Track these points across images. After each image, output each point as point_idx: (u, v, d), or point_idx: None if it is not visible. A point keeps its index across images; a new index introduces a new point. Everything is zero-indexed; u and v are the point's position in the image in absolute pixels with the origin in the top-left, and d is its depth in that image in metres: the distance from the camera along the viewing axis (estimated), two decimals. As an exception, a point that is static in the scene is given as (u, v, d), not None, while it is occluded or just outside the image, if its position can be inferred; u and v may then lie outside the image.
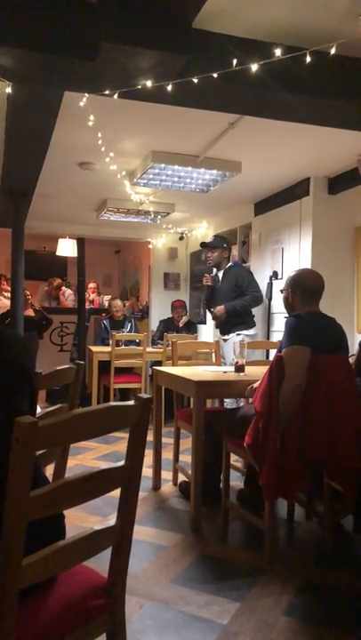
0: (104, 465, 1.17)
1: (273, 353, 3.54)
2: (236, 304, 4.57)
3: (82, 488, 1.11)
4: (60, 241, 7.84)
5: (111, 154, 3.73)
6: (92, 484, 1.13)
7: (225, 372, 3.22)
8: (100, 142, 3.43)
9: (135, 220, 5.92)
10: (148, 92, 2.34)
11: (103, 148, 3.54)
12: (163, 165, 3.91)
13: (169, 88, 2.31)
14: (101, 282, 10.02)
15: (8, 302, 5.40)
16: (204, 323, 6.62)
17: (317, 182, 4.42)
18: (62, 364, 1.94)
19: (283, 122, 2.95)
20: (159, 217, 5.80)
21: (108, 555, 1.28)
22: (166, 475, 3.56)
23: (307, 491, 2.85)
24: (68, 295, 8.23)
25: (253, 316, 4.73)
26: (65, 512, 1.24)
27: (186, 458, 3.74)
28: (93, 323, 7.34)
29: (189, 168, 3.99)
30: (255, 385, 2.66)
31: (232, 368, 3.29)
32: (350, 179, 4.17)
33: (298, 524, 2.87)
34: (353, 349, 2.94)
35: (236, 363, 3.20)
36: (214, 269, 4.85)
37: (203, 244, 5.03)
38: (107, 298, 8.20)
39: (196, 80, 2.27)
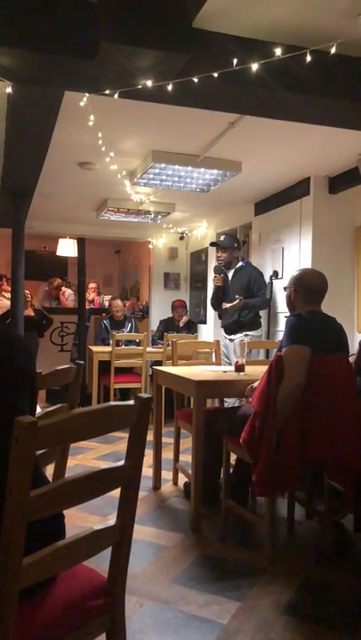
0: (104, 465, 1.17)
1: (272, 352, 3.56)
2: (250, 301, 4.60)
3: (82, 488, 1.11)
4: (61, 241, 7.84)
5: (111, 154, 3.73)
6: (92, 484, 1.13)
7: (225, 372, 3.22)
8: (100, 142, 3.43)
9: (135, 219, 5.92)
10: (148, 91, 2.34)
11: (103, 148, 3.54)
12: (163, 165, 3.91)
13: (169, 88, 2.31)
14: (102, 282, 10.02)
15: (8, 302, 5.40)
16: (205, 322, 6.62)
17: (318, 182, 4.42)
18: (62, 363, 1.94)
19: (283, 121, 2.95)
20: (159, 217, 5.80)
21: (108, 554, 1.28)
22: (166, 474, 3.56)
23: (307, 490, 2.86)
24: (68, 295, 8.23)
25: (260, 317, 4.73)
26: (65, 512, 1.24)
27: (186, 457, 3.74)
28: (94, 323, 7.35)
29: (190, 168, 3.99)
30: (255, 384, 2.66)
31: (232, 368, 3.29)
32: (351, 178, 4.17)
33: (298, 524, 2.87)
34: (353, 349, 2.94)
35: (236, 362, 3.20)
36: (224, 269, 4.86)
37: (213, 244, 5.03)
38: (107, 298, 8.20)
39: (196, 80, 2.27)
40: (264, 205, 5.16)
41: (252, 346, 4.14)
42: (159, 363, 5.43)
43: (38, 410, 1.58)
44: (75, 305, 7.50)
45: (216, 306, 4.93)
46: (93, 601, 1.23)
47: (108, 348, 5.63)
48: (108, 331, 6.23)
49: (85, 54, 2.12)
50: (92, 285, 8.79)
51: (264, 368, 2.55)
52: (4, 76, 2.30)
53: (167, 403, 3.70)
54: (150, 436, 2.36)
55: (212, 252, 6.43)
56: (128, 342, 5.97)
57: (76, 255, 7.35)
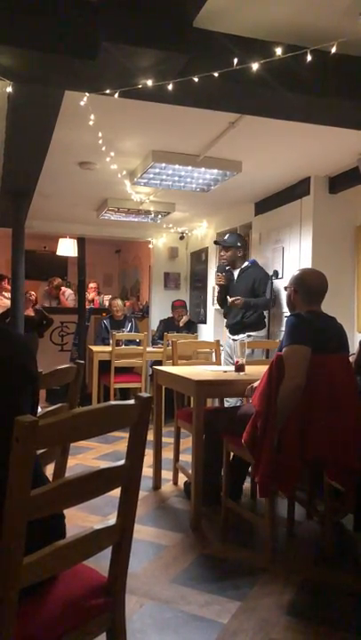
0: (104, 464, 1.17)
1: (272, 353, 3.55)
2: (253, 300, 4.62)
3: (82, 487, 1.11)
4: (61, 241, 7.84)
5: (112, 153, 3.73)
6: (93, 484, 1.13)
7: (225, 372, 3.22)
8: (100, 142, 3.42)
9: (135, 219, 5.91)
10: (148, 91, 2.33)
11: (104, 148, 3.54)
12: (163, 165, 3.91)
13: (169, 87, 2.31)
14: (102, 281, 10.02)
15: (8, 302, 5.40)
16: (205, 322, 6.61)
17: (318, 181, 4.41)
18: (62, 363, 1.94)
19: (283, 121, 2.95)
20: (159, 216, 5.79)
21: (108, 554, 1.28)
22: (166, 474, 3.56)
23: (307, 490, 2.86)
24: (68, 295, 8.23)
25: (265, 317, 4.72)
26: (65, 511, 1.24)
27: (186, 457, 3.74)
28: (94, 322, 7.35)
29: (190, 167, 3.98)
30: (255, 384, 2.66)
31: (232, 367, 3.29)
32: (351, 178, 4.16)
33: (298, 524, 2.87)
34: (353, 349, 2.94)
35: (236, 362, 3.20)
36: (228, 267, 4.85)
37: (216, 242, 5.03)
38: (107, 297, 8.21)
39: (196, 79, 2.26)
40: (264, 205, 5.16)
41: (252, 346, 4.14)
42: (159, 362, 5.43)
43: (39, 409, 1.58)
44: (75, 305, 7.50)
45: (221, 304, 4.94)
46: (94, 600, 1.23)
47: (108, 348, 5.63)
48: (108, 330, 6.23)
49: (86, 54, 2.12)
50: (92, 285, 8.79)
51: (264, 368, 2.55)
52: (5, 76, 2.30)
53: (167, 402, 3.70)
54: (150, 436, 2.36)
55: (212, 251, 6.44)
56: (128, 342, 5.97)
57: (76, 255, 7.35)
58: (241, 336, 4.58)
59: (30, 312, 6.28)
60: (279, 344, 2.74)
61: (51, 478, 1.46)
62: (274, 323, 4.83)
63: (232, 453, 2.86)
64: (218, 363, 4.17)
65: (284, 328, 2.61)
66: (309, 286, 2.64)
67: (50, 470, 1.78)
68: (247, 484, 3.39)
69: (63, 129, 3.25)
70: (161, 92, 2.34)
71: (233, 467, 2.95)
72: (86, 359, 6.17)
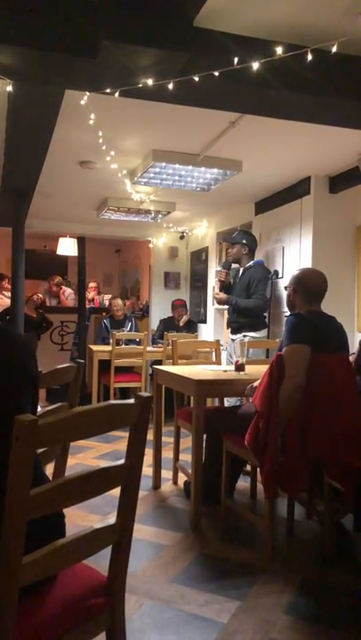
0: (104, 464, 1.17)
1: (272, 352, 3.55)
2: (240, 301, 4.57)
3: (82, 487, 1.11)
4: (61, 240, 7.84)
5: (112, 152, 3.73)
6: (92, 483, 1.12)
7: (225, 371, 3.22)
8: (100, 141, 3.42)
9: (136, 218, 5.91)
10: (148, 90, 2.33)
11: (104, 147, 3.54)
12: (163, 164, 3.91)
13: (170, 86, 2.31)
14: (102, 281, 10.02)
15: (8, 301, 5.41)
16: (205, 322, 6.61)
17: (318, 181, 4.41)
18: (62, 362, 1.94)
19: (284, 120, 2.95)
20: (160, 216, 5.79)
21: (107, 553, 1.28)
22: (166, 474, 3.56)
23: (307, 490, 2.85)
24: (68, 294, 8.23)
25: (265, 317, 4.70)
26: (65, 511, 1.24)
27: (186, 457, 3.74)
28: (94, 322, 7.35)
29: (190, 167, 3.98)
30: (255, 384, 2.66)
31: (232, 367, 3.29)
32: (351, 177, 4.16)
33: (298, 523, 2.87)
34: (353, 348, 2.94)
35: (236, 362, 3.20)
36: (237, 265, 4.83)
37: (224, 239, 4.99)
38: (107, 297, 8.20)
39: (197, 78, 2.26)
40: (264, 205, 5.16)
41: (251, 345, 4.13)
42: (159, 362, 5.42)
43: (38, 408, 1.58)
44: (75, 304, 7.50)
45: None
46: (93, 600, 1.23)
47: (108, 348, 5.63)
48: (108, 330, 6.23)
49: (86, 53, 2.12)
50: (92, 284, 8.79)
51: (264, 367, 2.55)
52: (5, 75, 2.30)
53: (167, 402, 3.70)
54: (150, 436, 2.36)
55: (213, 251, 6.44)
56: (128, 341, 5.97)
57: (76, 254, 7.34)
58: (238, 336, 4.57)
59: (32, 312, 6.30)
60: (279, 344, 2.74)
61: (51, 477, 1.46)
62: (274, 322, 4.82)
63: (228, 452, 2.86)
64: (218, 362, 4.17)
65: (284, 328, 2.61)
66: (309, 286, 2.64)
67: (50, 469, 1.78)
68: (246, 484, 3.39)
69: (63, 128, 3.25)
70: (161, 91, 2.34)
71: (209, 466, 2.95)
72: (86, 358, 6.17)
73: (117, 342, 5.57)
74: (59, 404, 1.79)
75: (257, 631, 1.88)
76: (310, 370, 2.38)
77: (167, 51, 2.12)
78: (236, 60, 2.22)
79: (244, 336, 4.44)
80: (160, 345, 5.96)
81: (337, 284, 3.77)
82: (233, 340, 4.67)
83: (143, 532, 2.70)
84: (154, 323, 6.97)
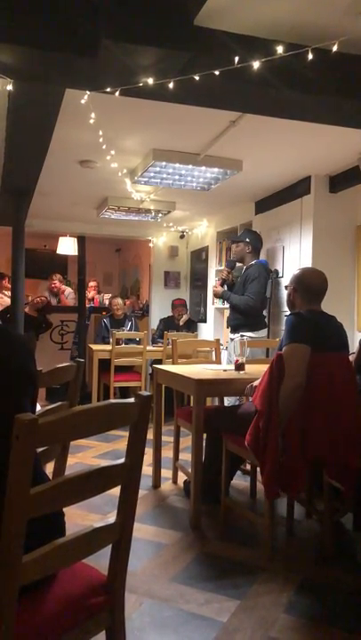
0: (104, 463, 1.17)
1: (272, 352, 3.55)
2: (233, 297, 4.57)
3: (82, 486, 1.11)
4: (61, 239, 7.83)
5: (112, 152, 3.72)
6: (92, 482, 1.13)
7: (225, 371, 3.22)
8: (100, 140, 3.42)
9: (136, 218, 5.91)
10: (149, 89, 2.33)
11: (104, 146, 3.53)
12: (164, 163, 3.91)
13: (170, 86, 2.30)
14: (102, 280, 10.02)
15: (8, 300, 5.40)
16: (205, 321, 6.61)
17: (318, 181, 4.41)
18: (62, 362, 1.94)
19: (284, 120, 2.95)
20: (160, 215, 5.79)
21: (107, 552, 1.28)
22: (166, 473, 3.56)
23: (307, 489, 2.86)
24: (68, 294, 8.22)
25: (265, 317, 4.68)
26: (65, 510, 1.24)
27: (186, 456, 3.75)
28: (94, 321, 7.35)
29: (190, 166, 3.98)
30: (255, 383, 2.66)
31: (232, 366, 3.29)
32: (352, 177, 4.16)
33: (297, 523, 2.87)
34: (353, 348, 2.94)
35: (236, 361, 3.20)
36: (241, 264, 4.83)
37: (230, 238, 5.02)
38: (107, 296, 8.20)
39: (197, 77, 2.26)
40: (265, 204, 5.16)
41: (251, 345, 4.13)
42: (159, 361, 5.42)
43: (38, 408, 1.58)
44: (75, 303, 7.50)
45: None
46: (93, 598, 1.23)
47: (108, 347, 5.63)
48: (108, 329, 6.23)
49: (86, 52, 2.12)
50: (92, 284, 8.78)
51: (264, 367, 2.55)
52: (5, 74, 2.30)
53: (167, 401, 3.70)
54: (150, 435, 2.36)
55: (213, 250, 6.44)
56: (128, 341, 5.97)
57: (76, 253, 7.34)
58: (236, 335, 4.56)
59: (33, 312, 6.29)
60: (279, 343, 2.74)
61: (51, 477, 1.46)
62: (274, 322, 4.82)
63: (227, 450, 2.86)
64: (218, 362, 4.17)
65: (283, 327, 2.61)
66: (309, 285, 2.64)
67: (50, 468, 1.78)
68: (246, 483, 3.40)
69: (64, 127, 3.24)
70: (162, 90, 2.33)
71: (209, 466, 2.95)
72: (86, 358, 6.17)
73: (117, 341, 5.57)
74: (59, 404, 1.79)
75: (256, 630, 1.89)
76: (310, 369, 2.38)
77: (168, 50, 2.12)
78: (236, 59, 2.22)
79: (242, 336, 4.43)
80: (160, 344, 5.96)
81: (337, 284, 3.77)
82: (232, 339, 4.67)
83: (143, 531, 2.71)
84: (154, 322, 6.97)
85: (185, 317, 6.52)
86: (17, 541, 0.97)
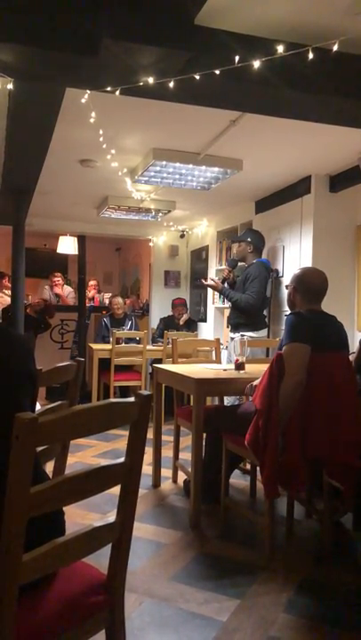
0: (104, 462, 1.17)
1: (271, 351, 3.55)
2: (232, 293, 4.57)
3: (82, 485, 1.11)
4: (61, 238, 7.83)
5: (112, 151, 3.72)
6: (92, 481, 1.13)
7: (225, 370, 3.22)
8: (101, 139, 3.42)
9: (136, 217, 5.91)
10: (149, 88, 2.33)
11: (104, 146, 3.53)
12: (164, 163, 3.91)
13: (171, 85, 2.30)
14: (102, 280, 10.01)
15: (9, 299, 5.40)
16: (205, 321, 6.62)
17: (319, 180, 4.41)
18: (63, 361, 1.94)
19: (284, 119, 2.95)
20: (160, 214, 5.79)
21: (107, 552, 1.28)
22: (166, 472, 3.56)
23: (307, 489, 2.86)
24: (68, 293, 8.22)
25: (265, 316, 4.68)
26: (64, 509, 1.24)
27: (186, 455, 3.75)
28: (94, 320, 7.34)
29: (191, 165, 3.98)
30: (255, 383, 2.66)
31: (232, 366, 3.29)
32: (352, 177, 4.16)
33: (297, 522, 2.87)
34: (353, 347, 2.94)
35: (236, 361, 3.20)
36: (243, 263, 4.83)
37: (232, 237, 5.05)
38: (107, 295, 8.19)
39: (197, 77, 2.26)
40: (265, 203, 5.16)
41: (251, 344, 4.13)
42: (159, 361, 5.42)
43: (38, 407, 1.58)
44: (75, 303, 7.50)
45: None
46: (93, 598, 1.23)
47: (108, 346, 5.63)
48: (109, 328, 6.23)
49: (87, 51, 2.11)
50: (92, 283, 8.78)
51: (264, 366, 2.55)
52: (5, 73, 2.30)
53: (167, 401, 3.70)
54: (150, 434, 2.36)
55: (213, 250, 6.44)
56: (128, 340, 5.97)
57: (76, 253, 7.34)
58: (236, 335, 4.56)
59: (33, 313, 6.30)
60: (279, 342, 2.74)
61: (51, 476, 1.46)
62: (274, 321, 4.82)
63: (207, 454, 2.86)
64: (218, 361, 4.17)
65: (284, 327, 2.61)
66: (310, 285, 2.64)
67: (50, 468, 1.79)
68: (246, 483, 3.40)
69: (64, 126, 3.24)
70: (162, 89, 2.33)
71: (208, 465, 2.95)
72: (86, 357, 6.17)
73: (117, 341, 5.57)
74: (59, 403, 1.79)
75: (256, 629, 1.89)
76: (310, 369, 2.38)
77: (168, 49, 2.12)
78: (237, 58, 2.22)
79: (242, 335, 4.43)
80: (160, 344, 5.96)
81: (337, 283, 3.77)
82: (232, 338, 4.67)
83: (143, 530, 2.71)
84: (154, 321, 6.97)
85: (185, 317, 6.52)
86: (17, 540, 0.97)
